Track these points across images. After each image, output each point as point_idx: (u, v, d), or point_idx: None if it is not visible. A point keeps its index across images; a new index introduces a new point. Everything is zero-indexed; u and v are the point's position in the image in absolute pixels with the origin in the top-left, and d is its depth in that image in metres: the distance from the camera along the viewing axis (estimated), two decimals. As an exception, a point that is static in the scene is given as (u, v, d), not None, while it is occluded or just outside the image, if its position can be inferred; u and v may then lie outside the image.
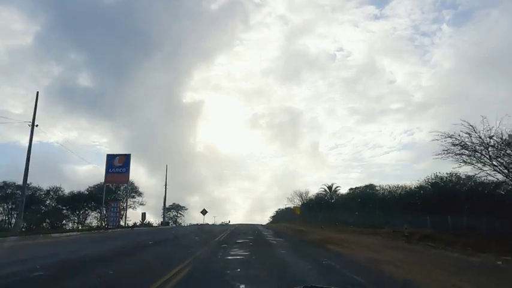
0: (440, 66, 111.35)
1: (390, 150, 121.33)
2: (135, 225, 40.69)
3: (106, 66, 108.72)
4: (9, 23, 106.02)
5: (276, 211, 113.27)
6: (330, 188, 60.88)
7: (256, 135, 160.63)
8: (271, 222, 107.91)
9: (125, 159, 40.49)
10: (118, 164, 39.96)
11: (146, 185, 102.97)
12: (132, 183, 66.53)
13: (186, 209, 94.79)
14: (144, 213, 55.13)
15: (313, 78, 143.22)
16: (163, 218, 59.10)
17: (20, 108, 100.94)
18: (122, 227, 37.01)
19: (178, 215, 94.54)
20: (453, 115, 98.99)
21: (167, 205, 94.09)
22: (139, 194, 66.27)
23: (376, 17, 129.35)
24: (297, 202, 71.50)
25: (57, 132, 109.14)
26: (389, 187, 37.53)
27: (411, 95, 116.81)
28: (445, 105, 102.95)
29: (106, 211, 40.52)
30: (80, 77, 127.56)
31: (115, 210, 39.77)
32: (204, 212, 63.53)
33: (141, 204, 66.96)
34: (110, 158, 40.76)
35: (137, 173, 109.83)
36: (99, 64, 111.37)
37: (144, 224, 47.94)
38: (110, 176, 40.10)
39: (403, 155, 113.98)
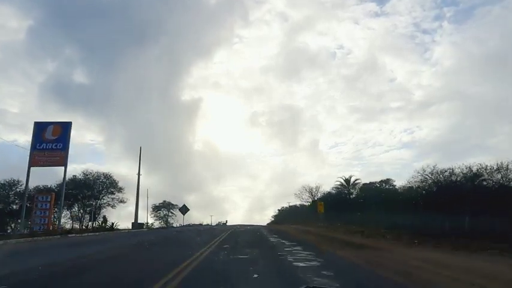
0: (441, 64, 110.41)
1: (390, 149, 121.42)
2: (63, 230, 26.01)
3: (101, 62, 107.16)
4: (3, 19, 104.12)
5: (279, 210, 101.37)
6: (347, 181, 47.91)
7: (256, 133, 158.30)
8: (273, 222, 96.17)
9: (62, 129, 26.51)
10: (51, 137, 26.10)
11: (143, 184, 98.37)
12: (110, 177, 54.18)
13: (178, 208, 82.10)
14: (93, 210, 41.99)
15: (313, 76, 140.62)
16: (135, 218, 45.84)
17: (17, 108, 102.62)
18: (50, 233, 23.42)
19: (170, 214, 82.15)
20: (454, 113, 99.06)
21: (157, 203, 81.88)
22: (120, 190, 54.41)
23: (377, 14, 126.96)
24: (306, 198, 58.47)
25: None
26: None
27: (411, 94, 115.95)
28: (446, 104, 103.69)
29: (32, 208, 27.21)
30: (75, 73, 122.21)
31: (44, 207, 26.64)
32: (184, 209, 50.24)
33: (121, 201, 55.04)
34: (39, 128, 26.51)
35: (134, 171, 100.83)
36: (94, 60, 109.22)
37: (103, 228, 34.78)
38: (38, 155, 26.32)
39: (403, 153, 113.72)
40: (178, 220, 76.89)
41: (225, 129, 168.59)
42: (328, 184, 49.62)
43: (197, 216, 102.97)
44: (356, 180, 47.17)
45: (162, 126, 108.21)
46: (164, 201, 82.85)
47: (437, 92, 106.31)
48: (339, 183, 48.56)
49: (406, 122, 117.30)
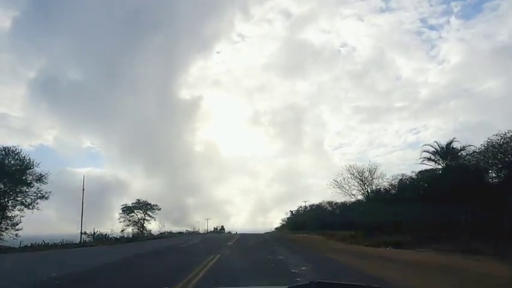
0: (448, 61, 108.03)
1: (395, 149, 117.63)
2: None
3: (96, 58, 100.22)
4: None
5: (292, 211, 78.98)
6: (447, 148, 25.06)
7: (259, 133, 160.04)
8: (285, 228, 73.89)
9: None
10: None
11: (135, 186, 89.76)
12: (16, 154, 32.98)
13: (159, 209, 60.57)
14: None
15: (317, 74, 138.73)
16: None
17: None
18: None
19: (147, 217, 59.79)
20: (460, 112, 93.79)
21: (130, 203, 61.20)
22: (39, 179, 33.54)
23: (382, 10, 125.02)
24: (350, 189, 35.28)
25: (55, 133, 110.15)
26: None
27: (417, 92, 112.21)
28: (453, 102, 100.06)
29: None
30: (67, 71, 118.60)
31: None
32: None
33: (40, 197, 33.96)
34: None
35: (131, 173, 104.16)
36: (87, 57, 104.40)
37: None
38: None
39: (407, 154, 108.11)
40: (164, 226, 59.87)
41: (227, 129, 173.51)
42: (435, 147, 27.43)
43: (199, 219, 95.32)
44: (464, 148, 24.33)
45: (161, 126, 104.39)
46: (138, 200, 61.38)
47: (443, 90, 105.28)
48: (426, 156, 25.80)
49: (412, 122, 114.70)
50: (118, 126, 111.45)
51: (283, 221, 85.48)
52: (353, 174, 33.92)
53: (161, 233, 55.81)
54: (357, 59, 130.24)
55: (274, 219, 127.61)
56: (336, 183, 34.79)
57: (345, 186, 34.34)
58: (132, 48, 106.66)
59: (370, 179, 33.10)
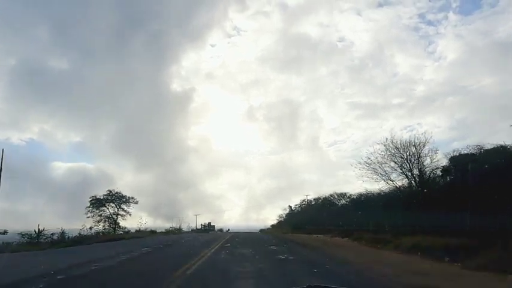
0: (445, 58, 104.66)
1: None
2: None
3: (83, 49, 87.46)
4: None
5: (291, 207, 69.38)
6: None
7: (253, 128, 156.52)
8: (283, 226, 64.43)
9: None
10: None
11: (131, 182, 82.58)
12: None
13: (136, 203, 51.92)
14: None
15: (314, 70, 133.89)
16: None
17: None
18: None
19: (122, 212, 50.39)
20: (456, 109, 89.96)
21: (101, 194, 50.82)
22: None
23: (380, 5, 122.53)
24: (389, 170, 25.44)
25: (44, 126, 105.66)
26: None
27: (413, 89, 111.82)
28: (449, 99, 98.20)
29: None
30: (52, 62, 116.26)
31: None
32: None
33: None
34: None
35: (121, 168, 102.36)
36: (74, 48, 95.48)
37: None
38: None
39: None
40: (146, 222, 51.91)
41: (220, 124, 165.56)
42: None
43: (191, 215, 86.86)
44: None
45: (152, 120, 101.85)
46: (110, 192, 51.10)
47: (440, 87, 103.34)
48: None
49: (407, 119, 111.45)
50: (108, 119, 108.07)
51: (280, 217, 76.32)
52: (390, 151, 24.12)
53: (125, 232, 45.66)
54: (354, 54, 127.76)
55: (268, 216, 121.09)
56: (367, 165, 24.91)
57: (377, 169, 24.56)
58: (122, 37, 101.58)
59: (417, 157, 23.43)
